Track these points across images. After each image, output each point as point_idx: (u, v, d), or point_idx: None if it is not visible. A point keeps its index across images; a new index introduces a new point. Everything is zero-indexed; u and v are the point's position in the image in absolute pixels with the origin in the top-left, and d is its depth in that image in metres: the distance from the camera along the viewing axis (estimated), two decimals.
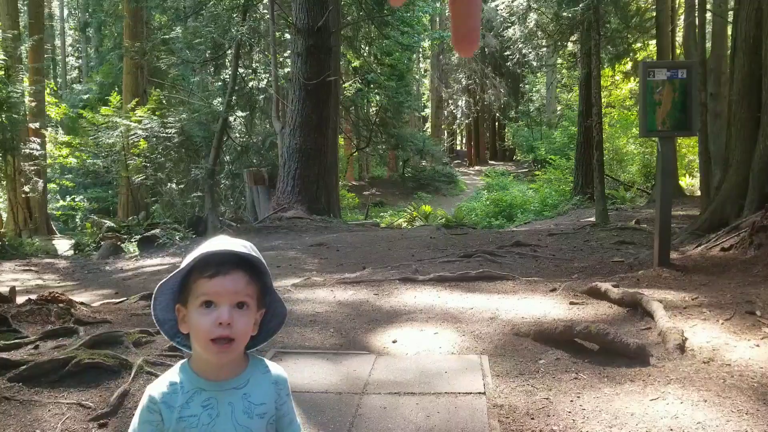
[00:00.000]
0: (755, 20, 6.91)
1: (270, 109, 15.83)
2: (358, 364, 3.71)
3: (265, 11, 16.40)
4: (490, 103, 32.95)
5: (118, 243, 11.04)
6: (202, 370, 1.17)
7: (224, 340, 1.13)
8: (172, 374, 1.18)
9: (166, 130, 13.52)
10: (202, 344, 1.14)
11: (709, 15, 12.10)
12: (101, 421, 3.03)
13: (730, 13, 11.22)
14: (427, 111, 37.72)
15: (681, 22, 15.94)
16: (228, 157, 17.29)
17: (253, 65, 19.83)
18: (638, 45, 17.61)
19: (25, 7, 19.05)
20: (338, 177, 16.43)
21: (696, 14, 11.51)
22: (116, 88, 18.49)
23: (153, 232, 10.92)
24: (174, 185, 13.13)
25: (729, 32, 10.83)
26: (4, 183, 14.46)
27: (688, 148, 18.23)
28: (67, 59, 35.86)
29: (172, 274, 1.19)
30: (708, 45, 13.96)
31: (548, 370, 3.47)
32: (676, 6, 17.15)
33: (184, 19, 17.51)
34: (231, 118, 16.72)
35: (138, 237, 11.18)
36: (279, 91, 14.96)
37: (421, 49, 33.17)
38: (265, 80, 18.71)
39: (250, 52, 19.02)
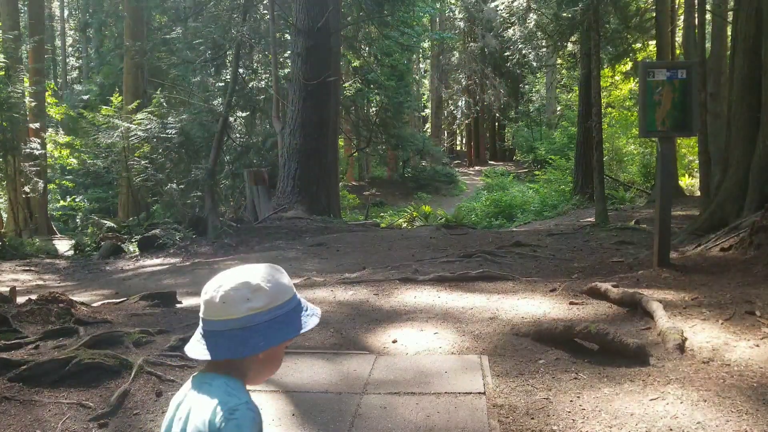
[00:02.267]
0: (754, 20, 6.92)
1: (270, 110, 15.83)
2: (358, 364, 3.72)
3: (266, 11, 16.40)
4: (489, 104, 32.92)
5: (118, 243, 11.03)
6: (249, 385, 1.30)
7: None
8: (239, 393, 1.21)
9: (167, 131, 13.52)
10: (275, 369, 1.33)
11: (708, 15, 12.09)
12: (101, 421, 3.04)
13: (730, 13, 11.22)
14: (427, 111, 37.72)
15: (681, 22, 15.94)
16: (228, 157, 17.27)
17: (254, 65, 19.82)
18: (638, 45, 17.58)
19: (26, 8, 19.05)
20: (338, 177, 16.43)
21: (696, 14, 11.53)
22: (117, 89, 18.46)
23: (153, 232, 10.92)
24: (174, 185, 13.10)
25: (728, 32, 10.84)
26: (5, 183, 14.44)
27: (688, 148, 18.22)
28: (67, 60, 35.80)
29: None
30: (708, 45, 13.96)
31: (548, 370, 3.48)
32: (676, 6, 17.14)
33: (184, 19, 17.52)
34: (231, 119, 16.71)
35: (138, 237, 11.17)
36: (279, 91, 14.96)
37: (421, 50, 33.16)
38: (265, 80, 18.70)
39: (250, 53, 19.00)
